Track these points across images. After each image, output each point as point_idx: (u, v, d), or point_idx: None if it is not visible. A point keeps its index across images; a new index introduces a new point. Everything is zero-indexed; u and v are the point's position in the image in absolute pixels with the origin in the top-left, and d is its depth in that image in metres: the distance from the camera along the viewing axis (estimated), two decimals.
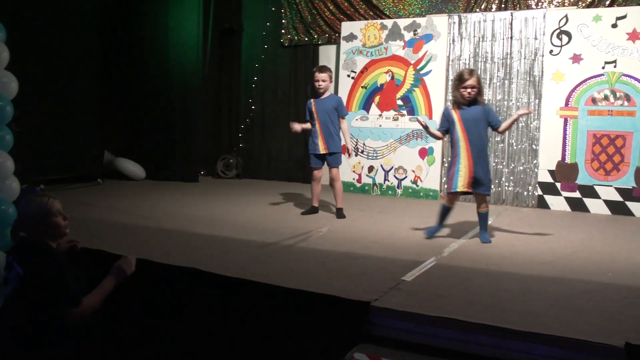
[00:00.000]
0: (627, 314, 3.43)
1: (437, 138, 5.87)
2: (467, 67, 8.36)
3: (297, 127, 6.71)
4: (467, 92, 5.29)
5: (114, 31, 10.00)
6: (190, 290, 4.17)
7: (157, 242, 5.13)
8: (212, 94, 10.80)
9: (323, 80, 6.59)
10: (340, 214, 6.63)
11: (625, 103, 7.54)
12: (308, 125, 6.75)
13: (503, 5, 8.60)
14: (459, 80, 5.36)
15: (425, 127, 5.51)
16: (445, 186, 5.56)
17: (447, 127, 5.49)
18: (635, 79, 7.48)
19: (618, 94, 7.58)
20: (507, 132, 8.08)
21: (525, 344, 3.10)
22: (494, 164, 8.22)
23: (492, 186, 8.16)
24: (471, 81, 5.27)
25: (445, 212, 5.59)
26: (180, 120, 9.93)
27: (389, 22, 8.94)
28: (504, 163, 8.19)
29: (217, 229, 5.80)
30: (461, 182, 5.37)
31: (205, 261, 4.38)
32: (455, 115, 5.39)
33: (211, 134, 10.88)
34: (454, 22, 8.51)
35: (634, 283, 4.16)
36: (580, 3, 8.18)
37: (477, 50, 8.39)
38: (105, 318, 3.48)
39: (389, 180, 8.84)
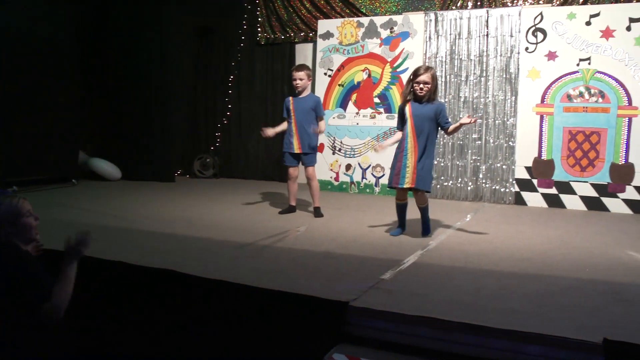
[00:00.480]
0: (605, 310, 3.43)
1: (398, 140, 5.76)
2: (443, 64, 8.38)
3: (270, 132, 6.65)
4: (418, 88, 5.27)
5: (90, 31, 9.84)
6: (167, 293, 4.10)
7: (132, 243, 5.05)
8: (188, 93, 10.70)
9: (300, 79, 6.54)
10: (317, 212, 6.59)
11: (600, 100, 7.60)
12: (282, 127, 6.69)
13: (479, 3, 8.63)
14: (414, 75, 5.35)
15: (385, 146, 5.60)
16: (390, 180, 5.45)
17: (403, 123, 5.45)
18: (609, 76, 7.54)
19: (593, 91, 7.64)
20: (484, 129, 8.13)
21: (505, 342, 3.08)
22: (471, 161, 8.24)
23: (459, 182, 8.23)
24: (423, 77, 5.24)
25: (401, 209, 5.62)
26: (156, 119, 9.81)
27: (365, 20, 8.92)
28: (481, 160, 8.21)
29: (194, 229, 5.73)
30: (407, 179, 5.35)
31: (182, 263, 4.31)
32: (407, 110, 5.36)
33: (188, 134, 10.78)
34: (430, 20, 8.51)
35: (611, 279, 4.18)
36: (554, 1, 8.22)
37: (454, 48, 8.40)
38: (80, 320, 3.42)
39: (366, 179, 8.83)
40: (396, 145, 5.54)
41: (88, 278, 4.28)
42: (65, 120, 9.11)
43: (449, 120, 5.46)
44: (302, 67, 6.71)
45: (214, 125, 10.66)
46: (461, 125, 5.31)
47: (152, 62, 9.74)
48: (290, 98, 6.66)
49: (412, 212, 5.72)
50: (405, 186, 5.38)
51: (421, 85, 5.26)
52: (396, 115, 5.76)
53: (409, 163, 5.34)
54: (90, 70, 9.91)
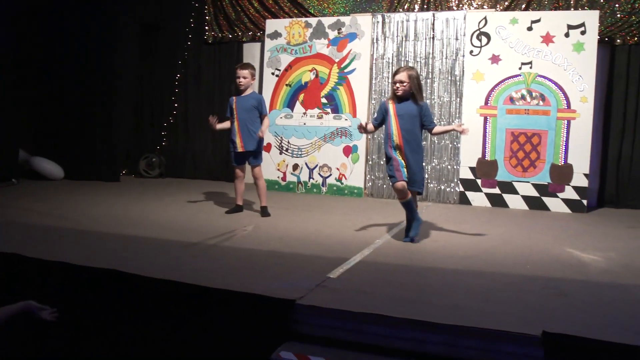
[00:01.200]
0: (545, 304, 3.54)
1: (369, 132, 5.79)
2: (391, 66, 8.48)
3: (214, 123, 6.60)
4: (395, 87, 5.30)
5: (29, 26, 9.58)
6: (111, 293, 4.02)
7: (75, 244, 4.93)
8: (134, 92, 10.53)
9: (244, 77, 6.52)
10: (264, 212, 6.58)
11: (541, 102, 7.81)
12: (225, 125, 6.66)
13: (425, 6, 8.76)
14: (392, 75, 5.40)
15: (363, 127, 5.49)
16: (393, 177, 5.33)
17: (381, 119, 5.44)
18: (550, 79, 7.77)
19: (534, 94, 7.85)
20: None
21: (447, 337, 3.14)
22: None
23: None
24: (398, 76, 5.26)
25: (409, 206, 5.40)
26: (100, 118, 9.61)
27: (313, 21, 8.95)
28: (427, 160, 8.33)
29: (139, 229, 5.63)
30: (407, 173, 5.28)
31: (126, 263, 4.24)
32: (391, 108, 5.35)
33: (133, 132, 10.60)
34: (378, 22, 8.60)
35: (551, 274, 4.31)
36: (498, 6, 8.42)
37: (400, 50, 8.51)
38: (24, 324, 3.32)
39: (313, 178, 8.85)
40: (383, 142, 5.52)
41: (29, 280, 4.20)
42: (3, 118, 8.83)
43: (433, 121, 5.42)
44: (247, 65, 6.69)
45: (160, 124, 10.51)
46: (451, 130, 5.35)
47: (96, 59, 9.52)
48: (234, 97, 6.64)
49: (384, 215, 5.75)
50: (406, 179, 5.27)
51: (397, 85, 5.27)
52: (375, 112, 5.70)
53: (402, 161, 5.29)
54: (30, 67, 9.63)
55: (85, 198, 7.62)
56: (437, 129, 5.40)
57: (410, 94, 5.28)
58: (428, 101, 8.35)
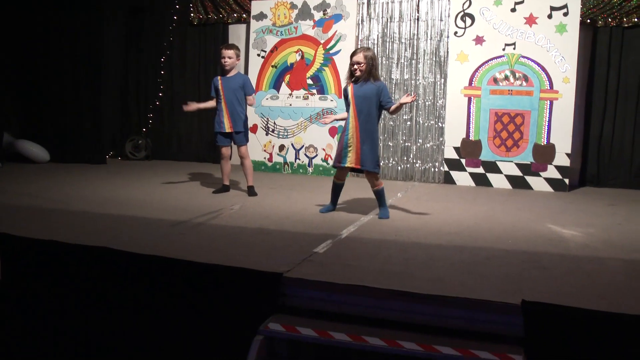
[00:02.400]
0: (524, 276, 3.65)
1: (344, 118, 5.78)
2: (375, 47, 8.53)
3: (193, 106, 6.64)
4: (353, 68, 5.37)
5: (13, 8, 9.50)
6: (101, 270, 4.07)
7: (64, 223, 4.97)
8: (119, 74, 10.50)
9: (229, 57, 6.56)
10: (251, 191, 6.64)
11: (524, 83, 7.91)
12: (208, 104, 6.70)
13: None
14: (350, 57, 5.45)
15: (329, 120, 5.72)
16: (332, 160, 5.53)
17: (348, 104, 5.53)
18: (533, 60, 7.86)
19: (517, 75, 7.94)
20: (414, 111, 8.34)
21: (432, 307, 3.23)
22: (402, 141, 8.45)
23: (390, 162, 8.42)
24: (355, 58, 5.33)
25: (336, 189, 5.71)
26: (85, 100, 9.58)
27: (298, 2, 8.96)
28: (412, 140, 8.43)
29: (127, 209, 5.68)
30: (350, 158, 5.42)
31: (115, 240, 4.29)
32: (350, 90, 5.44)
33: (119, 115, 10.59)
34: (363, 3, 8.65)
35: (531, 249, 4.42)
36: None
37: (385, 31, 8.57)
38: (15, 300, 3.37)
39: (299, 159, 8.91)
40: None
41: (19, 259, 4.24)
42: None
43: (391, 99, 5.47)
44: (232, 45, 6.73)
45: (146, 107, 10.51)
46: (402, 104, 5.37)
47: (82, 41, 9.48)
48: (219, 77, 6.67)
49: (369, 193, 5.83)
50: (347, 165, 5.44)
51: (355, 66, 5.34)
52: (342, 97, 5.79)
53: (351, 142, 5.40)
54: (14, 50, 9.57)
55: (72, 180, 7.64)
56: (392, 107, 5.41)
57: (368, 74, 5.34)
58: (413, 81, 8.43)
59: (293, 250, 4.15)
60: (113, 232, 4.64)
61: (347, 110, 5.54)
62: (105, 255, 4.04)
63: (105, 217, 5.31)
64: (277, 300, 3.52)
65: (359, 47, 5.57)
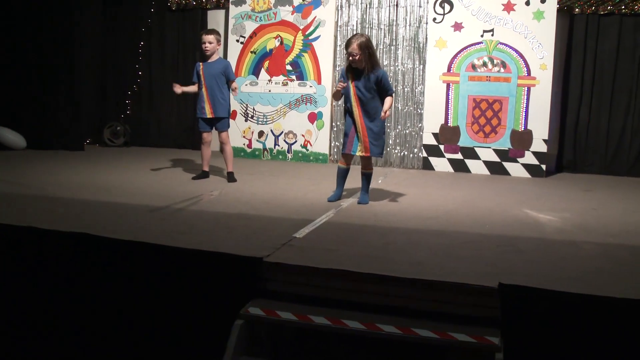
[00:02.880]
0: (501, 259, 3.70)
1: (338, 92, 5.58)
2: (354, 33, 8.53)
3: (178, 89, 6.60)
4: (350, 59, 5.29)
5: None
6: (81, 256, 4.06)
7: (43, 210, 4.91)
8: (96, 59, 10.38)
9: (209, 42, 6.53)
10: (231, 177, 6.64)
11: (502, 70, 7.97)
12: (190, 88, 6.66)
13: None
14: (345, 46, 5.39)
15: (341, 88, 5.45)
16: (341, 148, 5.50)
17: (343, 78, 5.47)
18: (511, 47, 7.93)
19: (495, 61, 8.00)
20: (393, 97, 8.36)
21: (410, 290, 3.27)
22: None
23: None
24: (350, 49, 5.24)
25: (343, 174, 5.65)
26: (62, 86, 9.45)
27: None
28: (391, 126, 8.46)
29: (106, 195, 5.64)
30: (360, 146, 5.41)
31: (95, 226, 4.26)
32: (350, 78, 5.37)
33: (97, 101, 10.48)
34: None
35: (508, 233, 4.49)
36: None
37: (365, 17, 8.57)
38: None
39: (279, 145, 8.92)
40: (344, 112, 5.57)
41: None
42: None
43: (391, 88, 5.38)
44: (212, 31, 6.71)
45: (124, 93, 10.41)
46: (385, 109, 5.29)
47: (57, 27, 9.34)
48: (200, 63, 6.64)
49: (350, 179, 5.85)
50: (358, 154, 5.44)
51: (350, 58, 5.26)
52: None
53: (360, 131, 5.37)
54: None
55: (50, 167, 7.57)
56: (386, 99, 5.36)
57: (368, 64, 5.26)
58: (392, 67, 8.45)
59: (273, 235, 4.16)
60: (92, 218, 4.61)
61: (345, 98, 5.48)
62: (83, 241, 4.03)
63: (84, 203, 5.28)
64: (257, 285, 3.54)
65: (353, 35, 5.45)
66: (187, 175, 7.01)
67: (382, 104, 5.37)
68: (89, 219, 4.59)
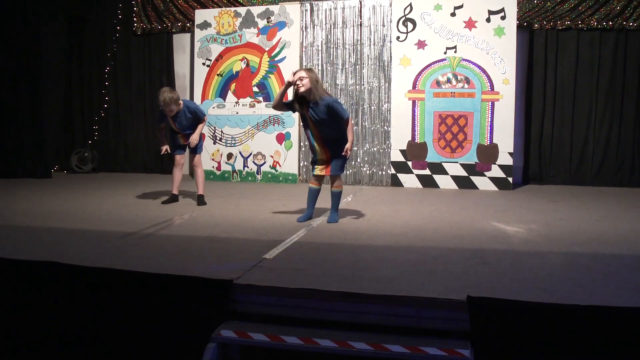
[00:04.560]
0: (470, 273, 3.75)
1: (279, 101, 5.54)
2: (320, 53, 8.63)
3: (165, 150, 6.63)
4: (296, 85, 5.28)
5: None
6: (49, 285, 4.01)
7: (9, 239, 4.85)
8: (62, 85, 10.32)
9: (176, 105, 6.36)
10: (201, 200, 6.63)
11: (466, 85, 8.11)
12: (163, 139, 6.70)
13: None
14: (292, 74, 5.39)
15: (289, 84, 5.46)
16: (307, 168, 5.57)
17: (287, 103, 5.51)
18: (473, 63, 8.08)
19: (459, 77, 8.14)
20: (360, 115, 8.47)
21: (380, 307, 3.30)
22: None
23: (347, 166, 8.46)
24: (297, 74, 5.28)
25: (314, 194, 5.67)
26: (27, 113, 9.36)
27: (242, 10, 8.99)
28: (359, 144, 8.54)
29: (74, 222, 5.59)
30: (319, 168, 5.47)
31: (63, 254, 4.22)
32: (304, 108, 5.38)
33: (63, 127, 10.41)
34: (306, 10, 8.74)
35: (476, 246, 4.55)
36: None
37: (329, 37, 8.67)
38: None
39: (248, 167, 8.93)
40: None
41: None
42: None
43: (344, 114, 5.32)
44: (171, 93, 6.37)
45: (91, 119, 10.36)
46: (348, 143, 5.35)
47: (21, 53, 9.27)
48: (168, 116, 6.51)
49: (320, 199, 5.86)
50: (316, 173, 5.49)
51: (298, 82, 5.25)
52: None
53: (320, 154, 5.44)
54: None
55: (16, 195, 7.47)
56: (347, 129, 5.37)
57: (313, 90, 5.26)
58: (358, 86, 8.55)
59: (243, 257, 4.17)
60: (60, 246, 4.56)
61: (304, 126, 5.55)
62: (52, 270, 3.98)
63: (52, 231, 5.22)
64: (228, 307, 3.54)
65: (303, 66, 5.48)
66: (157, 199, 6.98)
67: (340, 127, 5.37)
68: (57, 247, 4.54)
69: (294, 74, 5.36)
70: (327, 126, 5.36)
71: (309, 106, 5.36)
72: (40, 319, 3.95)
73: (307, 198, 5.73)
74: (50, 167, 9.72)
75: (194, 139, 6.51)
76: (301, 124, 8.41)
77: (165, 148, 6.62)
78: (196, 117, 6.55)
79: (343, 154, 5.34)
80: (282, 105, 5.55)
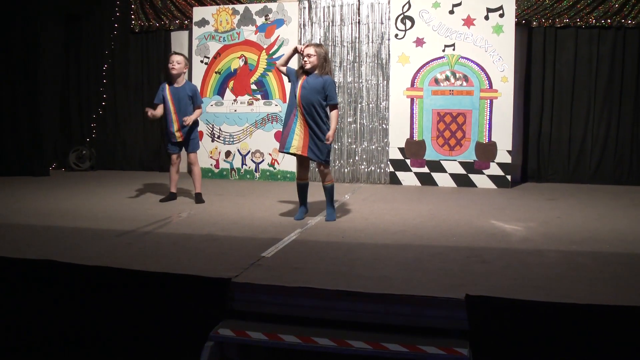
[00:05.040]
0: (468, 271, 3.75)
1: (283, 64, 5.66)
2: (323, 45, 8.61)
3: (151, 113, 6.54)
4: (303, 60, 5.38)
5: None
6: (46, 284, 4.00)
7: (6, 237, 4.84)
8: (59, 83, 10.30)
9: (177, 62, 6.48)
10: (199, 198, 6.62)
11: (464, 83, 8.10)
12: (159, 112, 6.60)
13: None
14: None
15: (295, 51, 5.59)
16: (279, 146, 5.54)
17: (286, 73, 5.57)
18: (472, 61, 8.06)
19: (458, 75, 8.13)
20: (358, 113, 8.47)
21: (378, 305, 3.30)
22: (347, 144, 8.54)
23: (336, 164, 8.47)
24: (307, 49, 5.36)
25: (301, 189, 5.68)
26: (24, 111, 9.34)
27: (240, 7, 8.97)
28: (357, 142, 8.53)
29: (72, 220, 5.58)
30: (296, 144, 5.39)
31: (61, 253, 4.21)
32: (300, 81, 5.41)
33: (61, 125, 10.39)
34: (304, 7, 8.72)
35: (474, 244, 4.55)
36: None
37: (327, 35, 8.66)
38: None
39: (246, 165, 8.92)
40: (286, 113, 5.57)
41: None
42: None
43: (334, 99, 5.42)
44: (180, 53, 6.70)
45: (89, 116, 10.35)
46: (331, 130, 5.40)
47: (19, 51, 9.25)
48: (166, 85, 6.60)
49: (317, 196, 5.85)
50: (292, 151, 5.40)
51: (304, 59, 5.36)
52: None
53: (298, 130, 5.37)
54: None
55: (14, 193, 7.46)
56: (333, 113, 5.43)
57: (320, 68, 5.37)
58: (356, 84, 8.54)
59: (241, 255, 4.16)
60: (57, 245, 4.55)
61: (289, 99, 5.54)
62: (49, 268, 3.98)
63: (49, 229, 5.22)
64: (226, 306, 3.54)
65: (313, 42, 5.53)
66: (155, 197, 6.97)
67: (324, 110, 5.44)
68: (55, 245, 4.53)
69: (305, 46, 5.42)
70: (313, 97, 5.33)
71: (308, 75, 5.41)
72: (37, 317, 3.95)
73: (297, 195, 5.73)
74: (48, 164, 9.70)
75: (189, 118, 6.47)
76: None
77: (151, 112, 6.51)
78: (194, 99, 6.57)
79: (325, 141, 5.33)
80: (284, 68, 5.63)
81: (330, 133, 5.37)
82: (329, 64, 5.50)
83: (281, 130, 5.59)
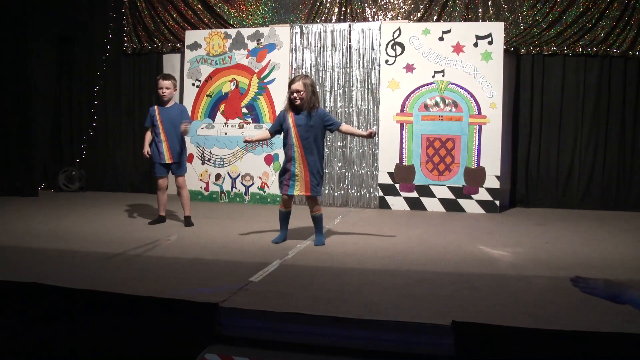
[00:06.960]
0: (455, 297, 3.76)
1: (265, 139, 5.98)
2: (309, 75, 8.66)
3: (147, 153, 6.64)
4: (292, 96, 5.41)
5: None
6: (32, 307, 3.97)
7: None
8: (50, 104, 10.29)
9: (167, 88, 6.54)
10: (188, 221, 6.61)
11: (454, 109, 8.17)
12: (147, 139, 6.66)
13: (342, 17, 9.02)
14: (289, 85, 5.51)
15: (250, 141, 5.81)
16: (280, 188, 5.61)
17: (277, 129, 5.60)
18: (461, 87, 8.14)
19: (447, 101, 8.20)
20: (348, 138, 8.49)
21: (365, 331, 3.30)
22: (337, 168, 8.57)
23: (326, 189, 8.50)
24: (295, 85, 5.39)
25: (284, 217, 5.75)
26: (14, 130, 9.32)
27: (232, 32, 9.04)
28: (347, 167, 8.56)
29: (59, 243, 5.55)
30: (298, 187, 5.50)
31: (48, 276, 4.19)
32: (290, 120, 5.46)
33: (51, 146, 10.36)
34: (296, 32, 8.79)
35: (462, 270, 4.56)
36: (411, 17, 8.76)
37: (319, 60, 8.72)
38: None
39: (236, 188, 8.92)
40: (284, 155, 5.66)
41: None
42: None
43: (336, 120, 5.56)
44: (168, 76, 6.72)
45: (79, 137, 10.33)
46: (362, 135, 5.53)
47: (10, 71, 9.26)
48: (156, 107, 6.63)
49: (305, 221, 5.87)
50: (295, 194, 5.51)
51: (294, 95, 5.37)
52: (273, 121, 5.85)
53: (298, 172, 5.45)
54: None
55: (2, 213, 7.42)
56: (345, 127, 5.62)
57: (309, 103, 5.40)
58: (347, 109, 8.59)
59: (229, 280, 4.16)
60: (45, 268, 4.53)
61: (272, 131, 5.65)
62: (35, 291, 3.95)
63: (37, 251, 5.19)
64: (213, 331, 3.52)
65: (297, 75, 5.59)
66: (144, 220, 6.95)
67: (322, 143, 5.55)
68: (42, 268, 4.51)
69: (290, 85, 5.45)
70: (309, 138, 5.41)
71: (297, 115, 5.45)
72: (24, 340, 3.91)
73: (279, 220, 5.78)
74: (37, 185, 9.65)
75: (187, 126, 6.50)
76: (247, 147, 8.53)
77: (147, 151, 6.64)
78: (182, 116, 6.57)
79: (369, 133, 5.42)
80: (272, 135, 5.78)
81: (365, 133, 5.46)
82: (317, 96, 5.54)
83: (271, 153, 5.64)
